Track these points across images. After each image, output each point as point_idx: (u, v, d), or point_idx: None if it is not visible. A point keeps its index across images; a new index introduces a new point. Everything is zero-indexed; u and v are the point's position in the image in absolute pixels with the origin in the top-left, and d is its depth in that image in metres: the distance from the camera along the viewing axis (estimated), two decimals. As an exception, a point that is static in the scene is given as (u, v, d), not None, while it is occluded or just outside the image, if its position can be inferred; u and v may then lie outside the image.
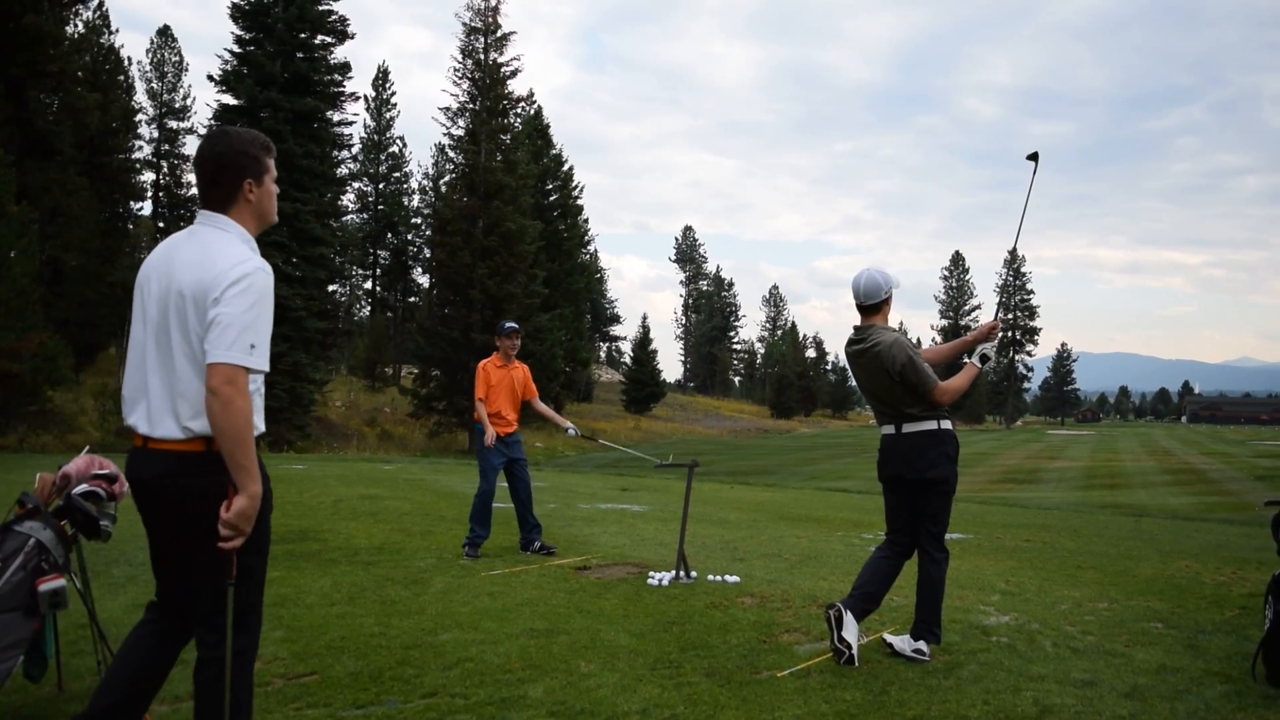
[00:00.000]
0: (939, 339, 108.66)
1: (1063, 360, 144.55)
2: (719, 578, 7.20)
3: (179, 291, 2.87)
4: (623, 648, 5.15)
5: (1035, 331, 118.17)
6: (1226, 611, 6.57)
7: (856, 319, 5.33)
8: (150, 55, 55.79)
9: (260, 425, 2.97)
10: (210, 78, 36.24)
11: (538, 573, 7.35)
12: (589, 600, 6.39)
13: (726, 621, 5.84)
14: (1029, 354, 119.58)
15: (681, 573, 7.16)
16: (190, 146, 55.19)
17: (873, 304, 5.23)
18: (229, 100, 36.19)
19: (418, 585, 6.73)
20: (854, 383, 5.67)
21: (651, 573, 7.29)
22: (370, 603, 6.13)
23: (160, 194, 54.91)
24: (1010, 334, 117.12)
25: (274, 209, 3.14)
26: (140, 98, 53.16)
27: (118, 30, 46.86)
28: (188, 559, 2.99)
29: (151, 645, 3.19)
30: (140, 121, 52.21)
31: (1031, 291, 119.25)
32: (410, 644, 5.10)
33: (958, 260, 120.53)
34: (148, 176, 53.32)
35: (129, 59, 52.61)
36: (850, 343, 5.29)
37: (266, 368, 2.89)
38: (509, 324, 8.54)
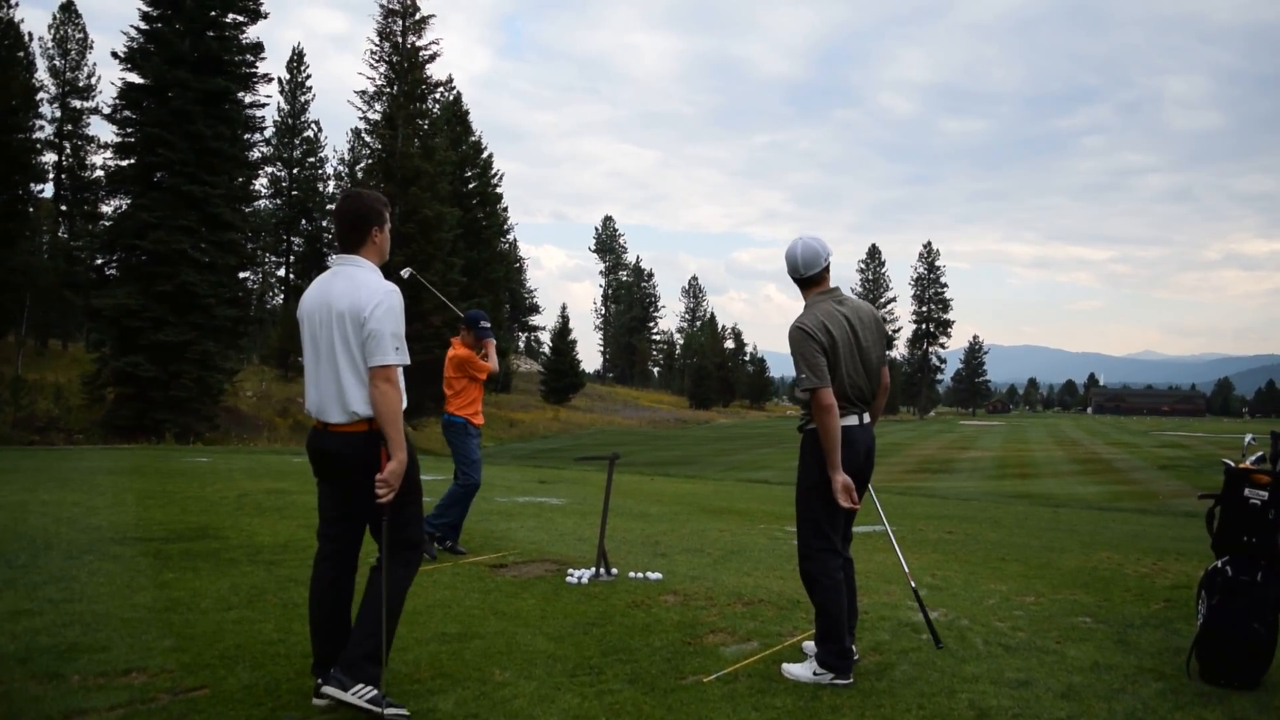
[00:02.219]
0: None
1: (974, 352, 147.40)
2: (640, 575, 6.95)
3: (339, 314, 3.89)
4: (540, 653, 4.86)
5: (949, 324, 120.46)
6: (1152, 604, 6.52)
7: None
8: (53, 31, 53.70)
9: (403, 402, 3.96)
10: (115, 55, 34.76)
11: (451, 571, 7.01)
12: (505, 601, 6.08)
13: (649, 622, 5.59)
14: (942, 346, 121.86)
15: (602, 570, 6.89)
16: (95, 127, 53.42)
17: (814, 274, 4.71)
18: (135, 79, 34.76)
19: (323, 586, 6.35)
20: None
21: (570, 570, 7.00)
22: (270, 606, 5.74)
23: (63, 175, 52.88)
24: (925, 326, 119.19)
25: (388, 248, 4.19)
26: (42, 75, 51.13)
27: (17, 4, 44.80)
28: (360, 506, 4.00)
29: (330, 572, 4.12)
30: (42, 100, 50.15)
31: (945, 285, 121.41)
32: (311, 652, 4.74)
33: (874, 253, 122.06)
34: (49, 157, 51.26)
35: (30, 35, 50.46)
36: (831, 315, 4.59)
37: (409, 360, 3.95)
38: (487, 326, 7.96)
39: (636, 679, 4.46)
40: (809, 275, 4.73)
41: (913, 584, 5.31)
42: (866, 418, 4.73)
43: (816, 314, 4.61)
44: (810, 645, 4.84)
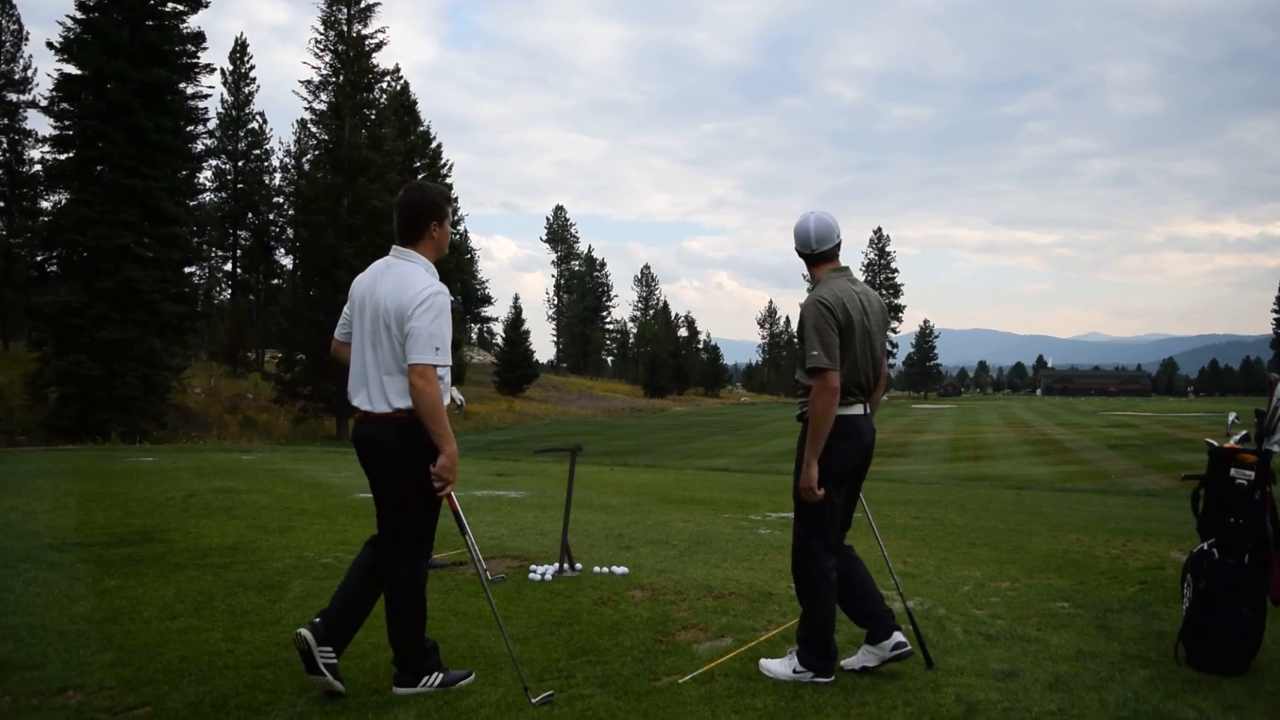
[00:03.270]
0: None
1: (925, 336, 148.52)
2: (606, 569, 6.73)
3: (385, 309, 3.98)
4: (505, 656, 4.61)
5: (900, 309, 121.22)
6: (1128, 587, 6.41)
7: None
8: (-16, 24, 52.13)
9: (446, 399, 4.03)
10: (51, 45, 33.71)
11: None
12: (465, 600, 5.83)
13: (618, 620, 5.37)
14: (894, 331, 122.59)
15: (566, 565, 6.67)
16: (32, 120, 52.04)
17: (826, 249, 4.41)
18: (72, 70, 33.77)
19: (274, 590, 6.04)
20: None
21: (533, 566, 6.77)
22: (218, 614, 5.44)
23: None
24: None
25: (448, 242, 4.26)
26: (-27, 68, 49.69)
27: (-55, -5, 43.50)
28: (392, 494, 4.08)
29: (374, 557, 4.17)
30: (-26, 94, 48.82)
31: (896, 270, 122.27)
32: (262, 662, 4.46)
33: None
34: (-17, 153, 49.84)
35: (-41, 27, 49.10)
36: (848, 293, 4.30)
37: (449, 361, 4.02)
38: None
39: (608, 682, 4.24)
40: (821, 251, 4.42)
41: (908, 605, 5.04)
42: (868, 408, 4.46)
43: (834, 289, 4.30)
44: (764, 661, 4.56)
